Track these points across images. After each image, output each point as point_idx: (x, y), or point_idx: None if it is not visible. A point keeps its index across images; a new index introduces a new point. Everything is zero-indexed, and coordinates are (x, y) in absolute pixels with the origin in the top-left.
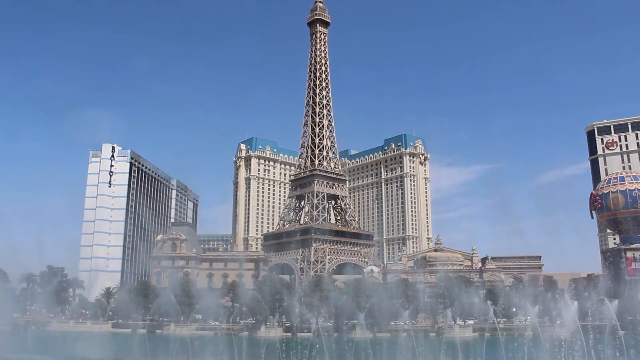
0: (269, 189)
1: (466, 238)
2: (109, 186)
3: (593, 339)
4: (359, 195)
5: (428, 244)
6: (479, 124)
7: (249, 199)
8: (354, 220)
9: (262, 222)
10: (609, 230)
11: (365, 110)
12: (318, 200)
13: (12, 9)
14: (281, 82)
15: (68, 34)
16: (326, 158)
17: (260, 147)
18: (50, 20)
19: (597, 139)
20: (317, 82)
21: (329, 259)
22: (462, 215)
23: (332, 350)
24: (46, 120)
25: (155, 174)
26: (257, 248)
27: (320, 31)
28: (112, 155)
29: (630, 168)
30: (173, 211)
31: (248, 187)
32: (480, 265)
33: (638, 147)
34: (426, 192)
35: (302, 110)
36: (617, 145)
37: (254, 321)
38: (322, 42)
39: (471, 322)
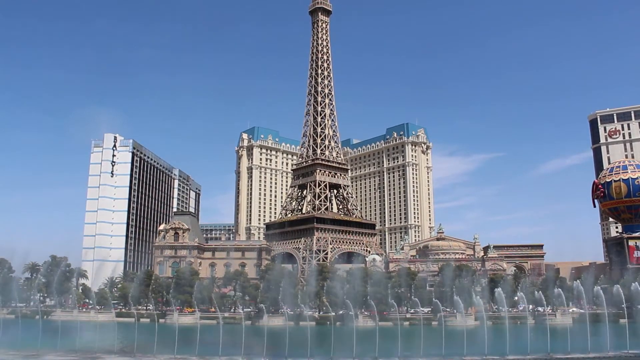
0: (271, 178)
1: (468, 227)
2: (112, 176)
3: (596, 327)
4: (361, 184)
5: (430, 233)
6: (481, 114)
7: (251, 189)
8: (356, 209)
9: (265, 212)
10: (611, 219)
11: (367, 99)
12: (320, 189)
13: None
14: (283, 71)
15: (70, 25)
16: (328, 147)
17: (262, 136)
18: (51, 10)
19: (599, 127)
20: (319, 71)
21: (332, 248)
22: (464, 205)
23: (335, 338)
24: (48, 110)
25: (158, 163)
26: (259, 237)
27: (321, 20)
28: (114, 145)
29: (632, 157)
30: (175, 201)
31: (250, 177)
32: (482, 254)
33: None
34: (428, 181)
35: (304, 100)
36: (619, 134)
37: (256, 310)
38: (324, 31)
39: (473, 310)
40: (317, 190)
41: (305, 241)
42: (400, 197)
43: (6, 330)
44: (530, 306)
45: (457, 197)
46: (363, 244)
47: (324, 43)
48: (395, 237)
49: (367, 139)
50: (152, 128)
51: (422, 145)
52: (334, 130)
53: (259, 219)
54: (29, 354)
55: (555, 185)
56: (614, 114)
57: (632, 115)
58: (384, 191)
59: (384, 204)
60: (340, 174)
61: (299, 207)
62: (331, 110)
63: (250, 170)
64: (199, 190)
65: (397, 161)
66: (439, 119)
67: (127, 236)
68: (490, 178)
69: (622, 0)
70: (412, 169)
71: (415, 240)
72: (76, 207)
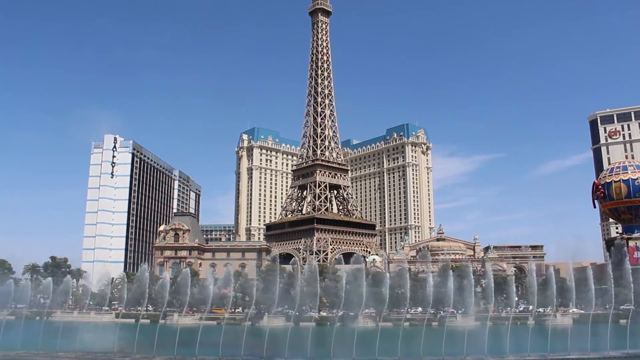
0: (271, 179)
1: (468, 227)
2: (112, 177)
3: (596, 328)
4: (361, 185)
5: (430, 233)
6: (481, 114)
7: (251, 189)
8: (356, 210)
9: (265, 212)
10: (611, 220)
11: (367, 99)
12: (320, 190)
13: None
14: (283, 71)
15: (70, 25)
16: (328, 148)
17: (262, 137)
18: (51, 10)
19: (599, 128)
20: (319, 72)
21: (332, 249)
22: (464, 205)
23: (335, 339)
24: (48, 110)
25: (158, 164)
26: (259, 238)
27: (321, 20)
28: (114, 146)
29: (633, 157)
30: (175, 202)
31: (250, 177)
32: (483, 255)
33: None
34: (428, 181)
35: (304, 100)
36: (620, 135)
37: (256, 311)
38: (324, 32)
39: (473, 311)
40: (317, 190)
41: (305, 242)
42: (400, 197)
43: (7, 332)
44: (531, 306)
45: (457, 198)
46: (363, 244)
47: (324, 44)
48: (396, 238)
49: (367, 139)
50: (152, 128)
51: (422, 145)
52: (334, 131)
53: (259, 220)
54: (29, 355)
55: (555, 186)
56: (614, 115)
57: (632, 115)
58: (384, 192)
59: (384, 205)
60: (340, 175)
61: (299, 208)
62: (331, 110)
63: (250, 171)
64: (199, 191)
65: (397, 162)
66: (439, 120)
67: (127, 237)
68: (490, 179)
69: (622, 0)
70: (412, 170)
71: (416, 240)
72: (76, 208)
